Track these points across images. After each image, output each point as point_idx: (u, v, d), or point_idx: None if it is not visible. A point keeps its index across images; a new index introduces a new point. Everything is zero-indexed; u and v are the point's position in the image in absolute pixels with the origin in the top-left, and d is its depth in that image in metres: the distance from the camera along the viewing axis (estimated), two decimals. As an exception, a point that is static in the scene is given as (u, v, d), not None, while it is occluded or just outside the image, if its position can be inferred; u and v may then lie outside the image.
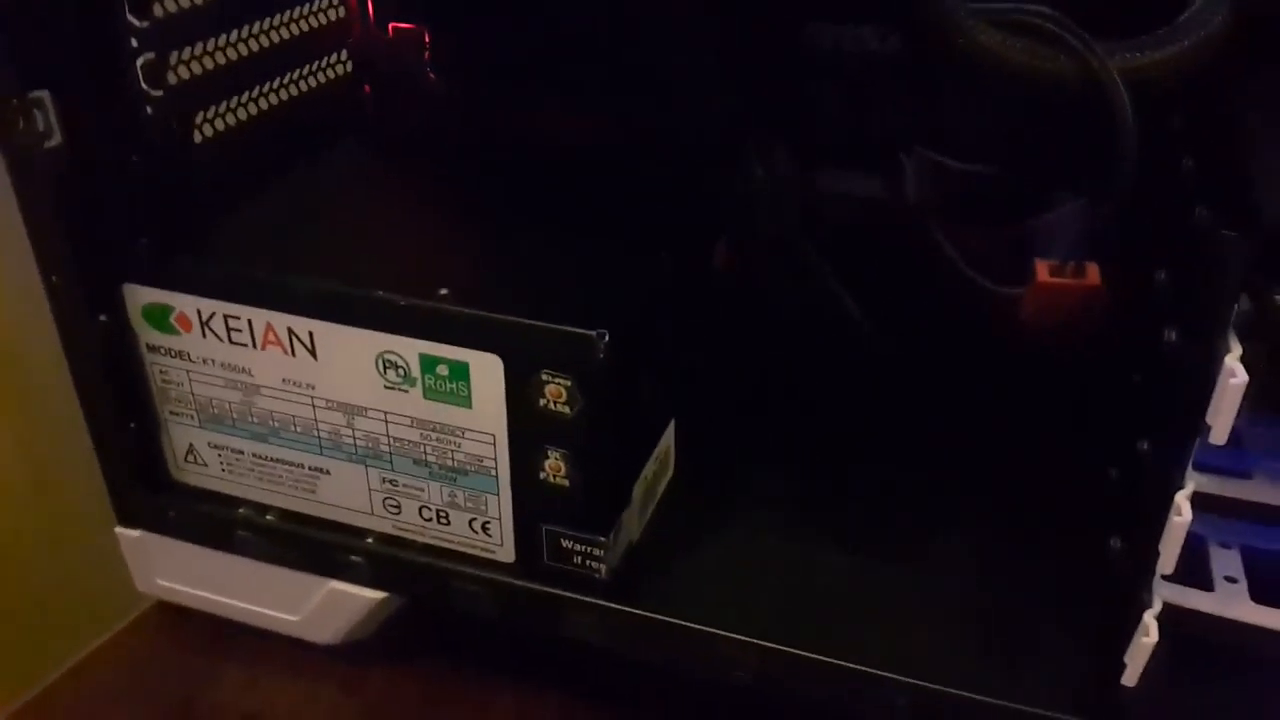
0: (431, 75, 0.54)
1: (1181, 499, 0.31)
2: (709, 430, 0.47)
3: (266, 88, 0.49)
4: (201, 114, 0.45)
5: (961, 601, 0.40)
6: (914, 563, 0.42)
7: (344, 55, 0.53)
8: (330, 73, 0.53)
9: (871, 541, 0.43)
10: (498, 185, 0.47)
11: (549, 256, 0.41)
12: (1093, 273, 0.40)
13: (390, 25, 0.54)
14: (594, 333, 0.35)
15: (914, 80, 0.45)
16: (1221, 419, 0.29)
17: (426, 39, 0.53)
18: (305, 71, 0.51)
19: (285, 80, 0.50)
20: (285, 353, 0.40)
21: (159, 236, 0.41)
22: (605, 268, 0.40)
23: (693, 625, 0.39)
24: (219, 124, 0.46)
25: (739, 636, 0.38)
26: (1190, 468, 0.32)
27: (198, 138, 0.45)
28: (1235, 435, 0.30)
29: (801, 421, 0.49)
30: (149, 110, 0.42)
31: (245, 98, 0.48)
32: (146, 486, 0.45)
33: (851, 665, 0.37)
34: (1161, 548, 0.32)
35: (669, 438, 0.44)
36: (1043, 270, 0.41)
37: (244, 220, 0.44)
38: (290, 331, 0.39)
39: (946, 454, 0.47)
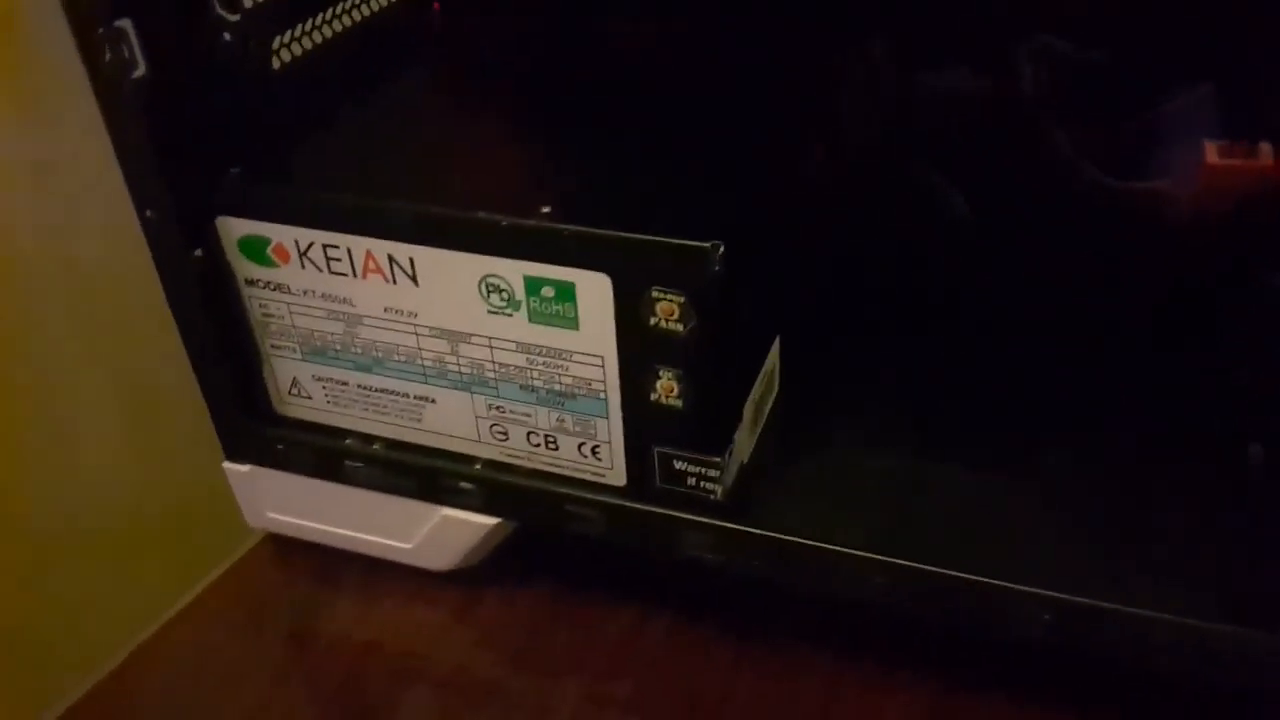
0: (503, -13, 0.51)
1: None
2: (812, 344, 0.45)
3: (340, 8, 0.47)
4: (278, 38, 0.44)
5: (1087, 511, 0.39)
6: (1033, 473, 0.41)
7: (414, -30, 0.51)
8: (402, -11, 0.51)
9: (987, 452, 0.41)
10: (582, 99, 0.45)
11: (648, 168, 0.40)
12: (1265, 153, 0.37)
13: (461, -64, 0.51)
14: (708, 245, 0.34)
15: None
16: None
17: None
18: (377, -11, 0.49)
19: (357, 1, 0.48)
20: (386, 280, 0.39)
21: (250, 166, 0.40)
22: (707, 177, 0.39)
23: (813, 543, 0.38)
24: (295, 49, 0.45)
25: (862, 553, 0.37)
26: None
27: (276, 64, 0.44)
28: None
29: (906, 332, 0.47)
30: (227, 36, 0.41)
31: (320, 19, 0.46)
32: (252, 420, 0.45)
33: (988, 580, 0.36)
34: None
35: (774, 355, 0.43)
36: (1211, 152, 0.38)
37: (330, 146, 0.43)
38: (390, 258, 0.38)
39: (1064, 360, 0.45)
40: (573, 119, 0.44)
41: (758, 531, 0.39)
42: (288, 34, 0.44)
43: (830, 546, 0.37)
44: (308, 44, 0.46)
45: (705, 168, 0.39)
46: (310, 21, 0.46)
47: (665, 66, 0.47)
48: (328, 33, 0.47)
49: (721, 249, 0.34)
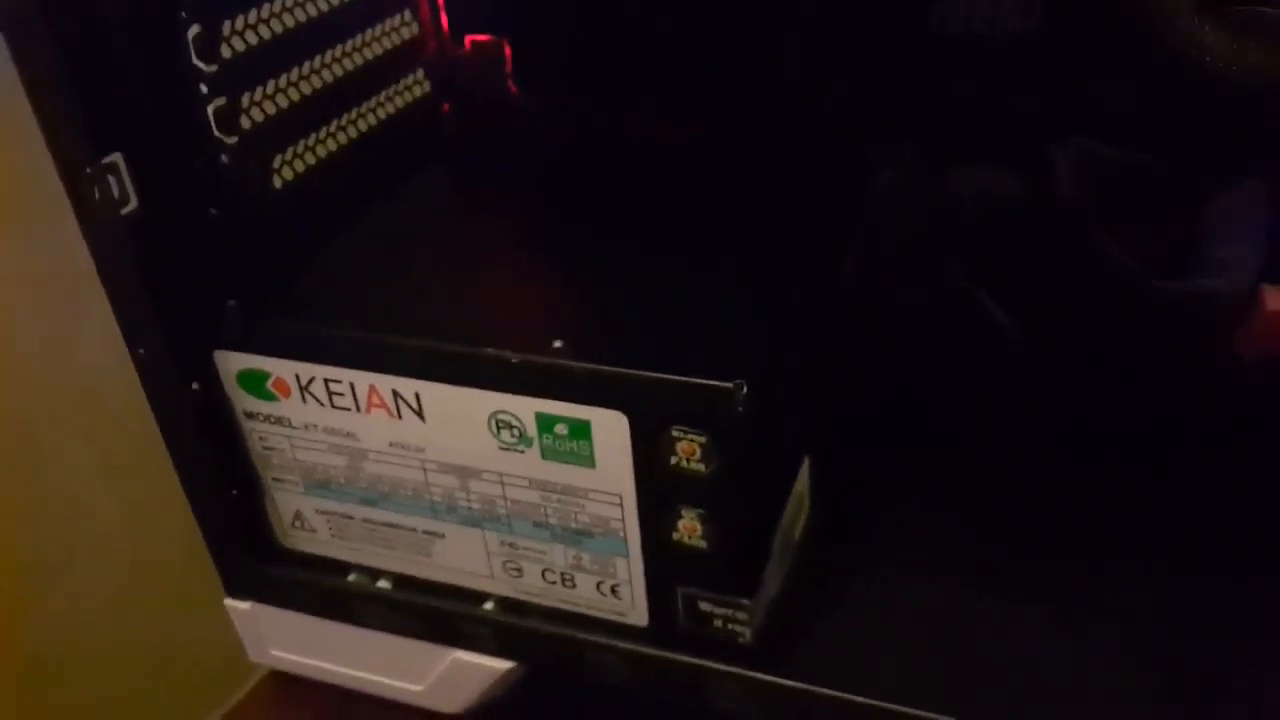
0: (514, 88, 0.50)
1: None
2: (844, 462, 0.42)
3: (344, 120, 0.46)
4: (279, 156, 0.42)
5: (1151, 652, 0.36)
6: (1086, 606, 0.37)
7: (420, 75, 0.50)
8: (408, 95, 0.49)
9: (1044, 584, 0.38)
10: (598, 205, 0.43)
11: (666, 292, 0.37)
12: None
13: (468, 39, 0.50)
14: (731, 384, 0.31)
15: (1062, 61, 0.39)
16: None
17: (507, 51, 0.49)
18: (382, 97, 0.48)
19: (362, 109, 0.47)
20: (391, 415, 0.37)
21: (248, 296, 0.38)
22: (731, 303, 0.36)
23: (852, 697, 0.35)
24: (297, 165, 0.43)
25: (914, 711, 0.34)
26: None
27: (277, 183, 0.43)
28: None
29: (945, 446, 0.44)
30: (225, 159, 0.39)
31: (323, 133, 0.44)
32: (253, 555, 0.43)
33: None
34: None
35: (804, 477, 0.41)
36: (1273, 299, 0.35)
37: (335, 269, 0.41)
38: (395, 393, 0.36)
39: (1117, 478, 0.42)
40: (587, 238, 0.42)
41: (791, 683, 0.36)
42: (289, 151, 0.43)
43: (876, 703, 0.34)
44: (311, 159, 0.44)
45: (729, 291, 0.37)
46: (313, 136, 0.44)
47: (686, 174, 0.45)
48: (332, 145, 0.45)
49: (745, 389, 0.31)
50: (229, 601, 0.44)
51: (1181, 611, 0.37)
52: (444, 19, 0.50)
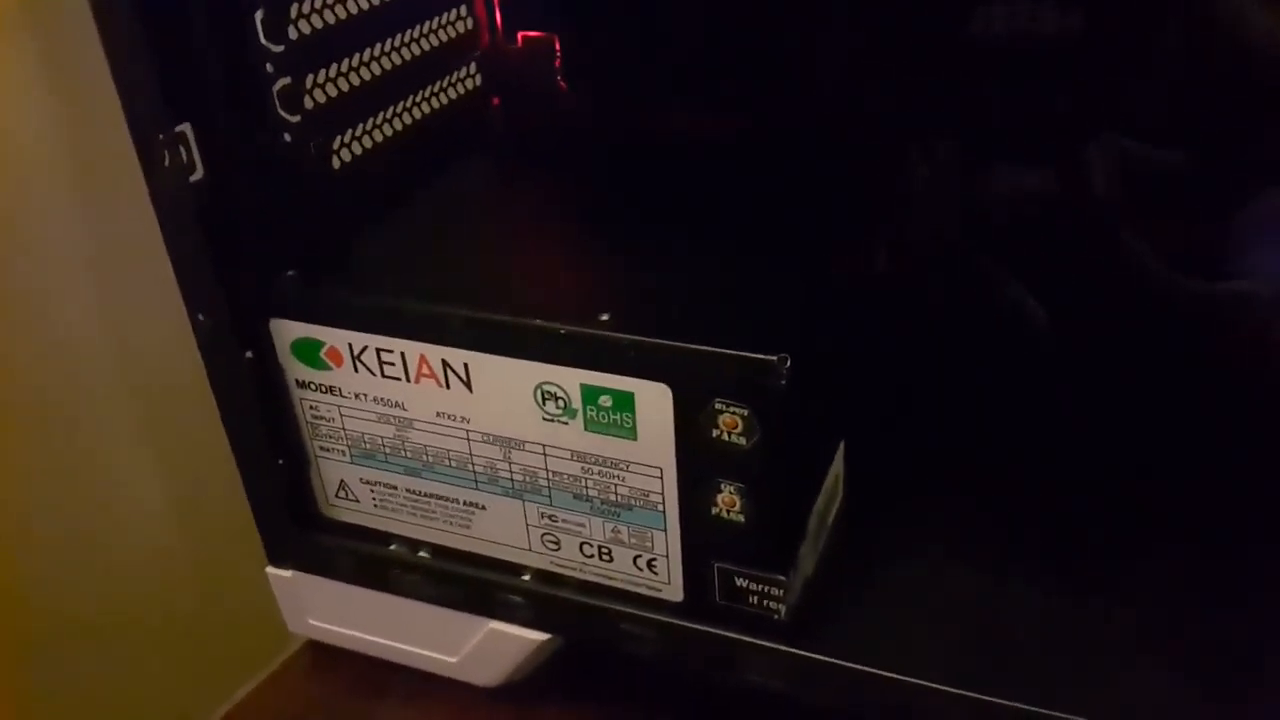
0: (563, 84, 0.51)
1: None
2: (877, 450, 0.43)
3: (400, 107, 0.47)
4: (339, 138, 0.44)
5: (1177, 635, 0.36)
6: (1115, 590, 0.38)
7: (473, 68, 0.52)
8: (460, 87, 0.51)
9: (1064, 566, 0.39)
10: (643, 197, 0.45)
11: (710, 272, 0.38)
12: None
13: (520, 34, 0.51)
14: (775, 358, 0.32)
15: (1097, 60, 0.40)
16: None
17: (558, 47, 0.51)
18: (437, 87, 0.49)
19: (417, 98, 0.48)
20: (439, 385, 0.38)
21: (305, 268, 0.39)
22: (772, 282, 0.37)
23: (882, 672, 0.36)
24: (355, 147, 0.45)
25: (943, 687, 0.34)
26: None
27: (336, 163, 0.44)
28: None
29: (976, 436, 0.45)
30: (287, 137, 0.41)
31: (380, 118, 0.46)
32: (297, 524, 0.44)
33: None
34: None
35: (839, 462, 0.41)
36: None
37: (387, 246, 0.42)
38: (445, 364, 0.37)
39: (1141, 467, 0.42)
40: (634, 220, 0.43)
41: (824, 658, 0.36)
42: (347, 133, 0.44)
43: (906, 679, 0.35)
44: (367, 143, 0.46)
45: (771, 270, 0.38)
46: (371, 121, 0.45)
47: (729, 168, 0.46)
48: (388, 131, 0.47)
49: (788, 362, 0.32)
50: (271, 570, 0.45)
51: (1206, 596, 0.37)
52: (498, 15, 0.51)
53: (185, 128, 0.36)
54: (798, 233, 0.41)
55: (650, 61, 0.48)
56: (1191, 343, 0.42)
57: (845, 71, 0.43)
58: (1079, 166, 0.41)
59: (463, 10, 0.50)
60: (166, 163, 0.36)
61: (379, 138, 0.46)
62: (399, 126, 0.47)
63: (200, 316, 0.39)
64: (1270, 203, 0.41)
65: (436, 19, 0.49)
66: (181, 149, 0.36)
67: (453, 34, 0.50)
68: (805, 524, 0.38)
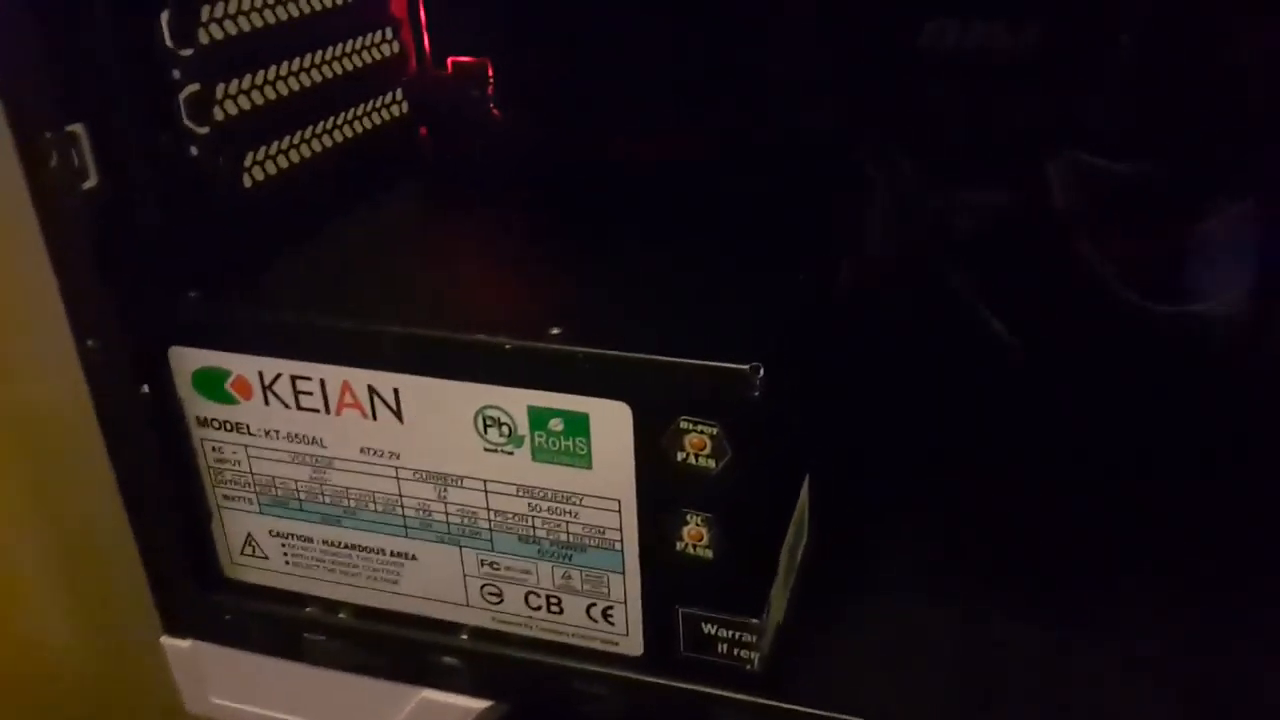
0: (496, 111, 0.49)
1: None
2: (842, 479, 0.40)
3: (320, 128, 0.44)
4: (252, 154, 0.40)
5: (1164, 671, 0.34)
6: (1096, 626, 0.35)
7: (398, 95, 0.48)
8: (384, 114, 0.48)
9: (1043, 599, 0.36)
10: (588, 219, 0.42)
11: (666, 287, 0.35)
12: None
13: (450, 60, 0.49)
14: (747, 366, 0.29)
15: (1054, 77, 0.39)
16: None
17: (490, 72, 0.48)
18: (359, 112, 0.46)
19: (338, 121, 0.45)
20: (364, 416, 0.34)
21: (209, 291, 0.35)
22: (732, 297, 0.34)
23: (868, 722, 0.32)
24: (270, 166, 0.41)
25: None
26: None
27: (248, 181, 0.40)
28: None
29: (943, 460, 0.42)
30: (194, 150, 0.37)
31: (298, 138, 0.42)
32: (197, 586, 0.38)
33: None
34: None
35: (804, 495, 0.38)
36: None
37: (306, 268, 0.38)
38: (372, 390, 0.33)
39: (1112, 490, 0.40)
40: (581, 240, 0.40)
41: (804, 709, 0.32)
42: (261, 150, 0.41)
43: None
44: (284, 163, 0.42)
45: (731, 286, 0.35)
46: (287, 139, 0.42)
47: (675, 190, 0.43)
48: (306, 152, 0.43)
49: (760, 371, 0.29)
50: (166, 640, 0.39)
51: (1188, 624, 0.35)
52: (426, 40, 0.49)
53: (78, 128, 0.32)
54: (752, 250, 0.38)
55: (587, 84, 0.46)
56: (1159, 361, 0.40)
57: (797, 90, 0.41)
58: (1041, 181, 0.39)
59: (388, 33, 0.48)
60: (54, 163, 0.32)
61: (296, 158, 0.43)
62: (318, 148, 0.44)
63: (89, 342, 0.34)
64: (1224, 221, 0.40)
65: (358, 40, 0.46)
66: (73, 151, 0.32)
67: (377, 56, 0.47)
68: (777, 560, 0.34)
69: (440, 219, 0.44)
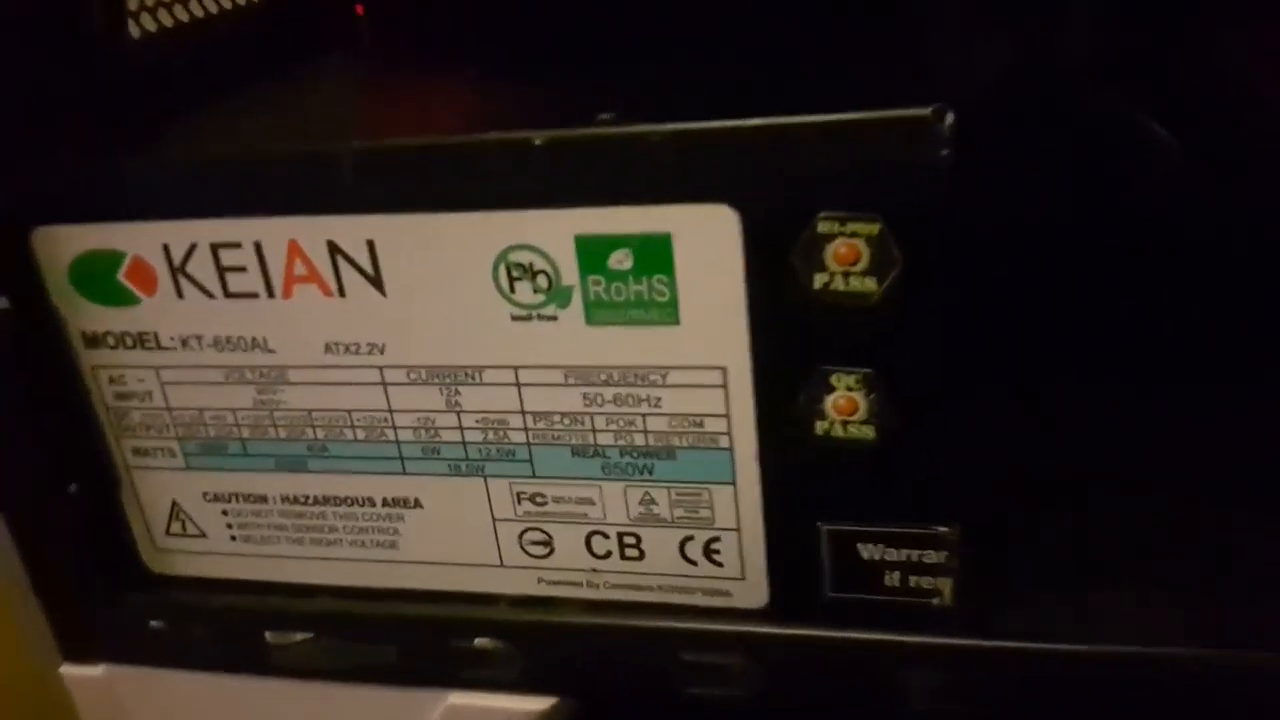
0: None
1: None
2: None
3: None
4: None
5: None
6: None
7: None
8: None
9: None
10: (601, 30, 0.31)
11: (759, 52, 0.25)
12: None
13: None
14: (928, 110, 0.19)
15: None
16: None
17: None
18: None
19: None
20: (327, 292, 0.23)
21: (87, 151, 0.24)
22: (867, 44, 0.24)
23: (1093, 649, 0.22)
24: (164, 17, 0.30)
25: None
26: None
27: (135, 31, 0.29)
28: None
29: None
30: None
31: (196, -18, 0.32)
32: (106, 590, 0.27)
33: None
34: None
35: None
36: None
37: (222, 119, 0.27)
38: (333, 249, 0.22)
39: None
40: (612, 31, 0.29)
41: (1032, 647, 0.22)
42: (151, -3, 0.30)
43: (1122, 650, 0.21)
44: (182, 14, 0.31)
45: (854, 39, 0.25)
46: (180, -17, 0.31)
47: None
48: (211, 7, 0.32)
49: (949, 118, 0.19)
50: (67, 670, 0.27)
51: None
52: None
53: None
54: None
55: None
56: None
57: None
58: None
59: None
60: None
61: (199, 12, 0.32)
62: (226, 5, 0.33)
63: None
64: None
65: None
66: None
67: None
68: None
69: (404, 67, 0.33)
